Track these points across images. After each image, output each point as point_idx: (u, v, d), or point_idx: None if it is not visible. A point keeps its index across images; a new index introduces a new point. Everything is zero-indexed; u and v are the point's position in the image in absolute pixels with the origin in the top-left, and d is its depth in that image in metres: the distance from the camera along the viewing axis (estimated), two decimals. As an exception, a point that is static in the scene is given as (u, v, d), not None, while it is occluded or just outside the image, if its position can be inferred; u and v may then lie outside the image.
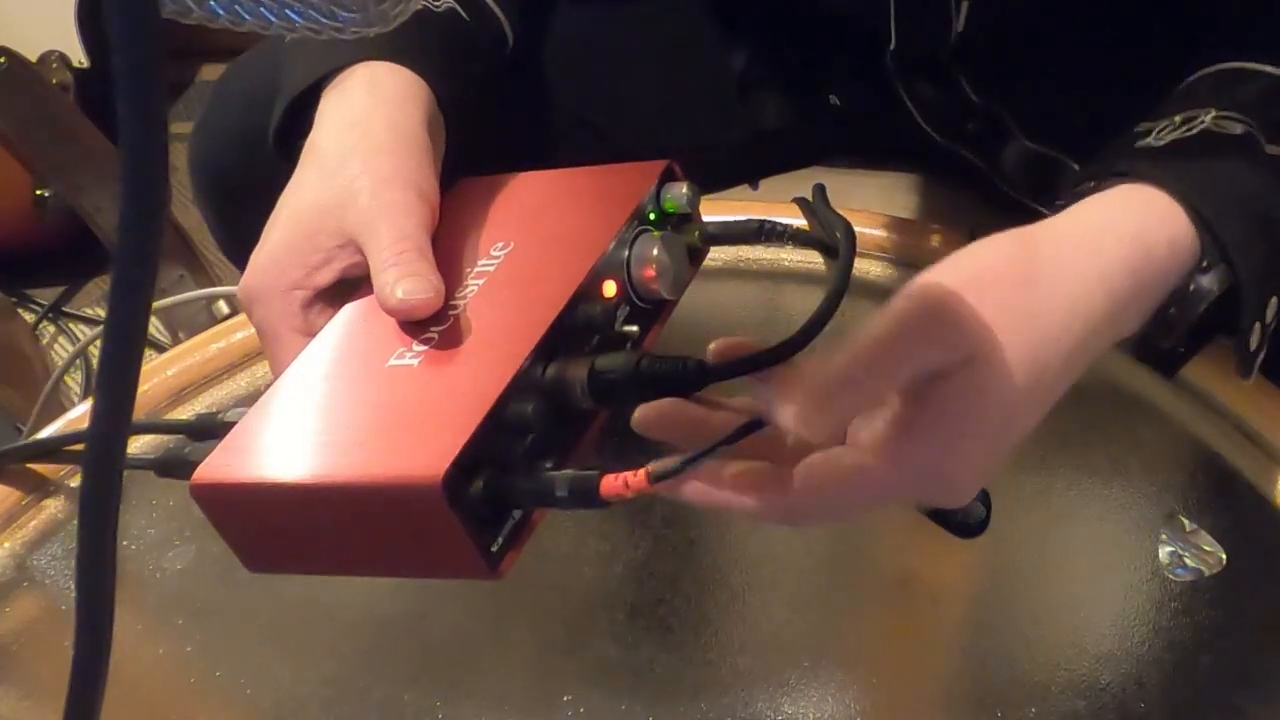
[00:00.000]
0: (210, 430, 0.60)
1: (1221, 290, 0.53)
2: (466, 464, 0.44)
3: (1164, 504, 0.64)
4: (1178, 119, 0.58)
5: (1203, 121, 0.57)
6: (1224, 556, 0.61)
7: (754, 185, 0.98)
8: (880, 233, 0.80)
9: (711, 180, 0.90)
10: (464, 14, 0.71)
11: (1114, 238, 0.51)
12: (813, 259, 0.79)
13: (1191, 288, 0.53)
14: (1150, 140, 0.57)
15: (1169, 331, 0.54)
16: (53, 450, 0.70)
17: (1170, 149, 0.57)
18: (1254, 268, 0.53)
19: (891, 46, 0.79)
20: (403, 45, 0.63)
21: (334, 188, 0.58)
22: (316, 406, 0.50)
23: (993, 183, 0.82)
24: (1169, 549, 0.62)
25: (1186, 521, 0.63)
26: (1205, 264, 0.53)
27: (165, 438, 0.70)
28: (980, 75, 0.80)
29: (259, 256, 0.59)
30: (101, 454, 0.28)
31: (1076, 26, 0.77)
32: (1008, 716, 0.56)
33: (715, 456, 0.45)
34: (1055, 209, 0.53)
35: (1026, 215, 0.80)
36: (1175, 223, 0.52)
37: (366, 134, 0.59)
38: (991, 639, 0.60)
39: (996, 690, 0.57)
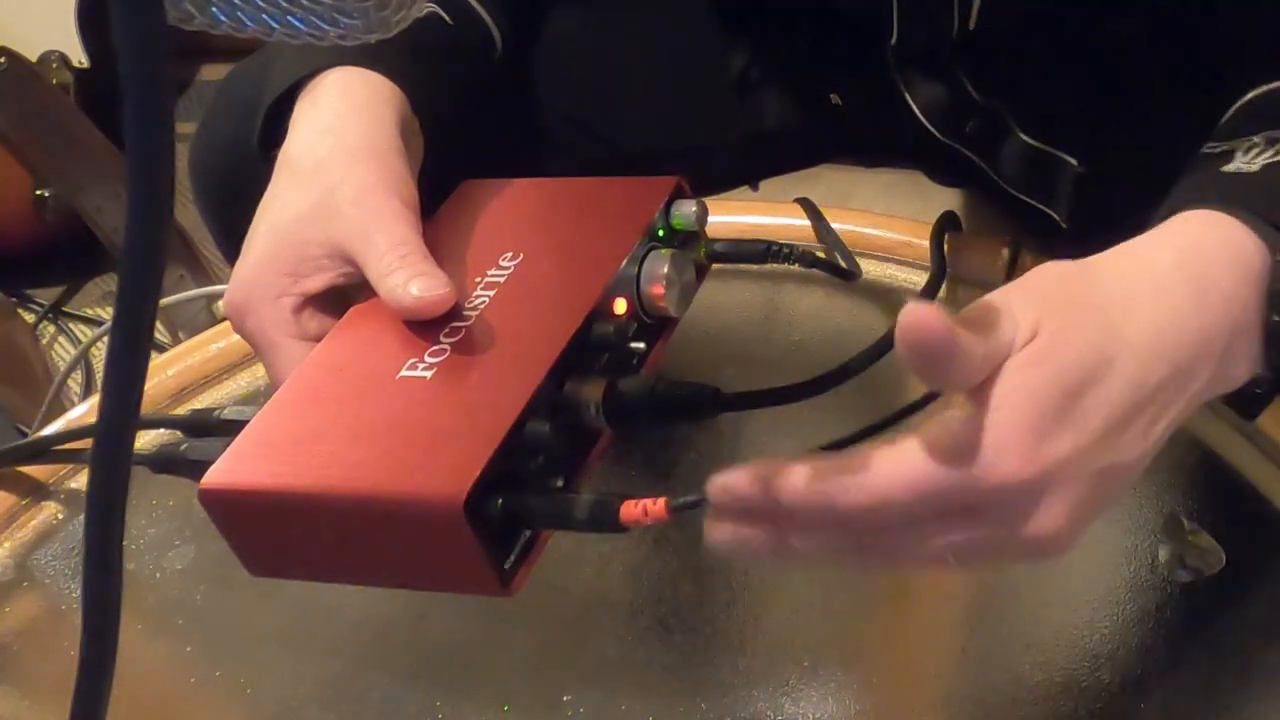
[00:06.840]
0: (206, 427, 0.59)
1: None
2: (486, 483, 0.44)
3: (1164, 504, 0.64)
4: (1257, 139, 0.54)
5: None
6: (1224, 556, 0.61)
7: (754, 186, 0.98)
8: (880, 233, 0.80)
9: (711, 181, 0.90)
10: (446, 17, 0.70)
11: (1172, 251, 0.48)
12: (813, 259, 0.79)
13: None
14: (1238, 164, 0.54)
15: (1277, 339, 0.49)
16: (58, 448, 0.70)
17: (1266, 174, 0.53)
18: None
19: (893, 41, 0.79)
20: (374, 50, 0.62)
21: (312, 196, 0.57)
22: (328, 416, 0.50)
23: (993, 181, 0.83)
24: (1169, 549, 0.62)
25: (1186, 521, 0.63)
26: None
27: (160, 434, 0.70)
28: (981, 72, 0.80)
29: (241, 270, 0.58)
30: (109, 452, 0.28)
31: (1078, 25, 0.77)
32: (1008, 716, 0.56)
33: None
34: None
35: (1026, 214, 0.81)
36: (1235, 235, 0.49)
37: (340, 140, 0.58)
38: (991, 639, 0.60)
39: (996, 690, 0.57)
